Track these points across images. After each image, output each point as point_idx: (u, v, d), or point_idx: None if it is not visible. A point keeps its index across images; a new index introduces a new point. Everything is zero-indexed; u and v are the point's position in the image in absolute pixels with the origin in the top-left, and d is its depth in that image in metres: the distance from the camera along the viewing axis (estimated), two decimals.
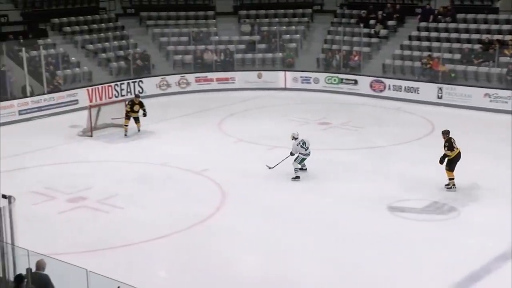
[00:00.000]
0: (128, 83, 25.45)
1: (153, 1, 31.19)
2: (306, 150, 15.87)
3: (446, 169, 14.89)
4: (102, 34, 28.00)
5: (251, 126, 21.37)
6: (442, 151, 14.86)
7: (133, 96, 21.87)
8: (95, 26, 28.52)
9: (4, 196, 9.39)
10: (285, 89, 27.12)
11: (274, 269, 11.60)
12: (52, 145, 19.15)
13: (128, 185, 15.82)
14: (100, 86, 24.52)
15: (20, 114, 22.02)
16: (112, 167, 17.40)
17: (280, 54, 28.41)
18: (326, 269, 11.54)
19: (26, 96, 22.62)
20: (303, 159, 15.94)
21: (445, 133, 15.00)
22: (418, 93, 24.53)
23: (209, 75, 27.25)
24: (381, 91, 25.51)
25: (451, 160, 14.82)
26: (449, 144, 14.76)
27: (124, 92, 25.09)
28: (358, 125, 21.34)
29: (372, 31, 28.14)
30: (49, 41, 26.04)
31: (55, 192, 15.19)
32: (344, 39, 27.70)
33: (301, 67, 27.83)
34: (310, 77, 27.04)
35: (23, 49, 23.06)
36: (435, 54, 25.32)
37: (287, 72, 27.47)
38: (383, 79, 25.62)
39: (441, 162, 14.83)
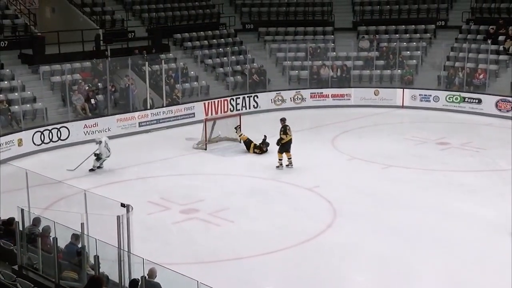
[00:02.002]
0: (244, 98, 25.78)
1: (272, 16, 31.51)
2: (108, 152, 17.90)
3: (278, 152, 17.89)
4: (221, 49, 28.63)
5: (366, 144, 20.85)
6: None
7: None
8: (214, 41, 29.23)
9: (122, 205, 9.60)
10: (402, 107, 26.33)
11: None
12: (169, 156, 19.68)
13: (240, 198, 15.89)
14: (216, 100, 25.00)
15: (140, 126, 22.86)
16: (224, 180, 17.58)
17: (399, 71, 27.65)
18: None
19: (146, 109, 23.48)
20: (105, 160, 17.94)
21: (283, 120, 18.12)
22: None
23: (325, 91, 27.00)
24: (508, 111, 24.09)
25: (283, 144, 17.78)
26: (284, 129, 17.76)
27: (239, 107, 25.42)
28: (480, 146, 20.23)
29: (501, 47, 26.72)
30: (170, 55, 26.97)
31: (169, 203, 15.54)
32: (468, 56, 26.52)
33: (421, 85, 26.92)
34: (430, 95, 26.08)
35: (146, 63, 24.00)
36: None
37: (405, 89, 26.66)
38: (511, 99, 24.19)
39: (278, 144, 17.86)
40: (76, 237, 9.90)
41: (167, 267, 9.09)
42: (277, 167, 17.89)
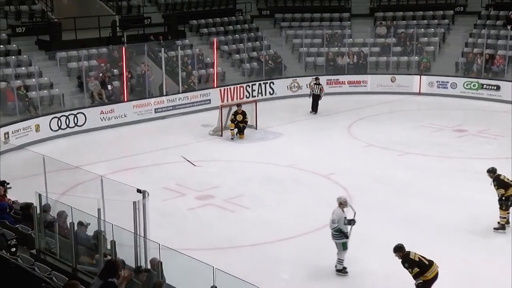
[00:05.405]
0: (260, 84, 25.73)
1: (288, 2, 31.32)
2: None
3: None
4: (237, 35, 28.52)
5: (382, 131, 20.73)
6: None
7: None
8: (230, 27, 29.13)
9: (139, 191, 9.65)
10: (419, 94, 26.12)
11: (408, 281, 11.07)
12: (184, 143, 19.69)
13: (255, 185, 15.90)
14: (232, 87, 24.97)
15: (156, 112, 22.91)
16: (239, 167, 17.58)
17: (416, 57, 27.40)
18: (459, 282, 10.94)
19: (162, 95, 23.51)
20: None
21: None
22: None
23: (341, 77, 26.85)
24: None
25: None
26: None
27: (255, 93, 25.38)
28: (498, 133, 20.02)
29: None
30: (186, 42, 26.93)
31: (185, 189, 15.59)
32: (487, 42, 26.19)
33: (438, 72, 26.67)
34: (447, 82, 25.85)
35: (163, 49, 24.00)
36: None
37: (422, 76, 26.44)
38: None
39: None
40: (81, 223, 9.98)
41: (183, 253, 9.13)
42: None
